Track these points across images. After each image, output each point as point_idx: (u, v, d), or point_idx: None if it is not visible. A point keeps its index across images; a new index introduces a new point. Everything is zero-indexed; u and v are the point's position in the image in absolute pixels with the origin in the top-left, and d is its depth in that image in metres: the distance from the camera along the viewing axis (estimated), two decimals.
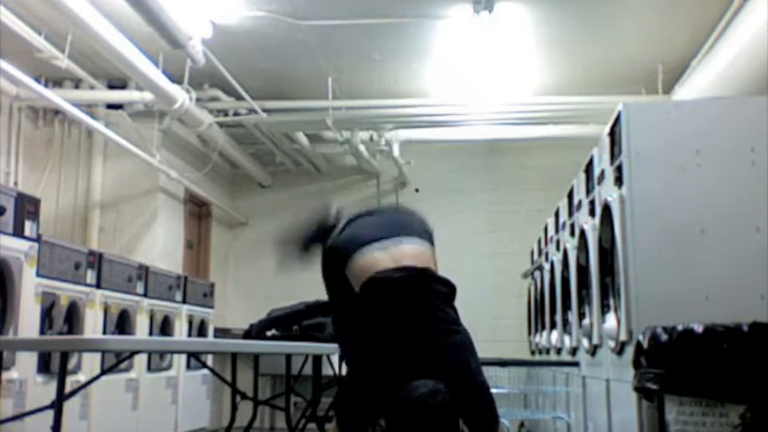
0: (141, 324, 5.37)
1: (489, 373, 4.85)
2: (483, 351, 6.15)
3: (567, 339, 4.58)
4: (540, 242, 6.23)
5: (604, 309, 3.41)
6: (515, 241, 7.43)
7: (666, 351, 2.26)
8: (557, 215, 5.17)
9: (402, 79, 6.46)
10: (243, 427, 4.14)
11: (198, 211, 7.86)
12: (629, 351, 2.65)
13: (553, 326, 5.22)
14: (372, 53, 5.97)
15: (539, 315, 6.08)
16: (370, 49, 5.89)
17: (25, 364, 3.88)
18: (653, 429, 2.48)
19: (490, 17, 5.08)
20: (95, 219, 6.40)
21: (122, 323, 5.12)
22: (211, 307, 6.82)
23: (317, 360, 4.83)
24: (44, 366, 4.08)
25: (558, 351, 4.98)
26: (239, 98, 6.40)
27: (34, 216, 3.99)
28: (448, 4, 5.12)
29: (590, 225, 3.67)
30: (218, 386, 6.69)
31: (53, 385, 2.61)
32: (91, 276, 4.71)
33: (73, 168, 6.42)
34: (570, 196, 4.50)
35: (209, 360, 5.82)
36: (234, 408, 3.95)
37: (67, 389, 2.62)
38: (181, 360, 5.97)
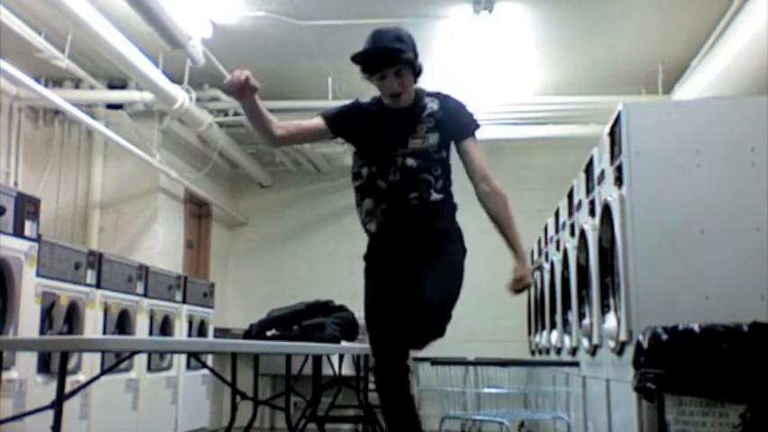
0: (141, 324, 5.37)
1: (489, 373, 4.86)
2: (483, 351, 6.18)
3: (567, 339, 4.58)
4: (540, 242, 6.23)
5: (604, 309, 3.41)
6: None
7: (666, 351, 2.27)
8: (557, 215, 5.17)
9: None
10: (243, 427, 4.13)
11: (198, 211, 7.86)
12: (629, 351, 2.65)
13: (553, 326, 5.22)
14: None
15: (539, 315, 6.08)
16: None
17: (25, 364, 3.88)
18: (653, 429, 2.48)
19: (490, 17, 5.09)
20: (95, 219, 6.40)
21: (122, 323, 5.11)
22: (211, 307, 6.81)
23: (317, 360, 4.83)
24: (44, 366, 4.08)
25: (558, 351, 4.98)
26: None
27: (34, 216, 3.99)
28: (448, 4, 5.12)
29: (590, 225, 3.67)
30: (218, 386, 6.69)
31: (53, 385, 2.61)
32: (91, 276, 4.70)
33: (73, 168, 6.42)
34: (570, 196, 4.50)
35: (209, 360, 5.81)
36: (234, 408, 3.95)
37: (67, 389, 2.62)
38: (181, 360, 5.97)
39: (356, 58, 2.79)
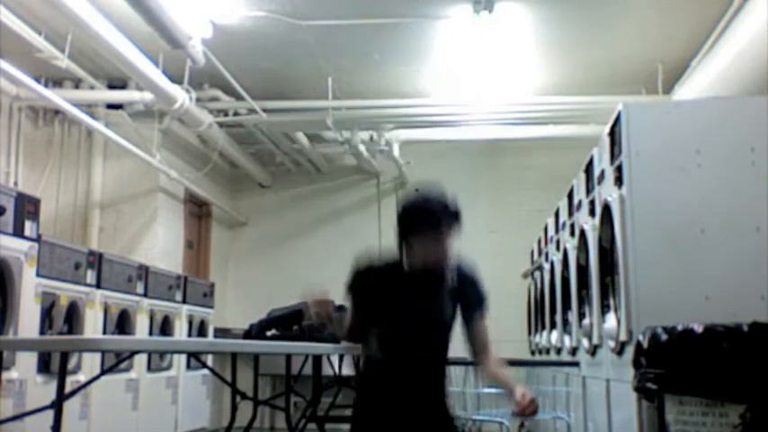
0: (141, 324, 5.37)
1: None
2: None
3: (567, 339, 4.58)
4: (540, 242, 6.23)
5: (604, 309, 3.41)
6: (515, 241, 7.43)
7: (666, 351, 2.26)
8: (557, 215, 5.17)
9: (402, 79, 6.46)
10: (243, 427, 4.13)
11: (198, 211, 7.86)
12: (629, 351, 2.65)
13: (553, 326, 5.22)
14: (372, 53, 5.97)
15: (539, 315, 6.08)
16: (371, 49, 5.89)
17: (25, 364, 3.88)
18: (653, 429, 2.47)
19: (490, 17, 5.08)
20: (95, 219, 6.40)
21: (122, 323, 5.11)
22: (211, 307, 6.81)
23: (317, 360, 4.83)
24: (44, 366, 4.08)
25: (558, 351, 4.98)
26: (239, 98, 6.40)
27: (34, 216, 3.99)
28: (448, 4, 5.11)
29: (590, 225, 3.67)
30: (218, 386, 6.69)
31: (53, 385, 2.61)
32: (91, 276, 4.71)
33: (73, 168, 6.42)
34: (570, 196, 4.50)
35: (210, 360, 5.81)
36: (234, 408, 3.95)
37: (67, 389, 2.62)
38: (181, 360, 5.97)
39: (422, 216, 2.61)
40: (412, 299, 2.63)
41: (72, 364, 4.32)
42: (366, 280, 2.68)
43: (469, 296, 2.69)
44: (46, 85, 5.75)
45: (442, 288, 2.65)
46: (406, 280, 2.64)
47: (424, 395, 2.59)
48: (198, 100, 6.13)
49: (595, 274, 3.54)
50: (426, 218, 2.59)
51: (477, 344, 2.66)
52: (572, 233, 4.34)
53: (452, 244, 2.61)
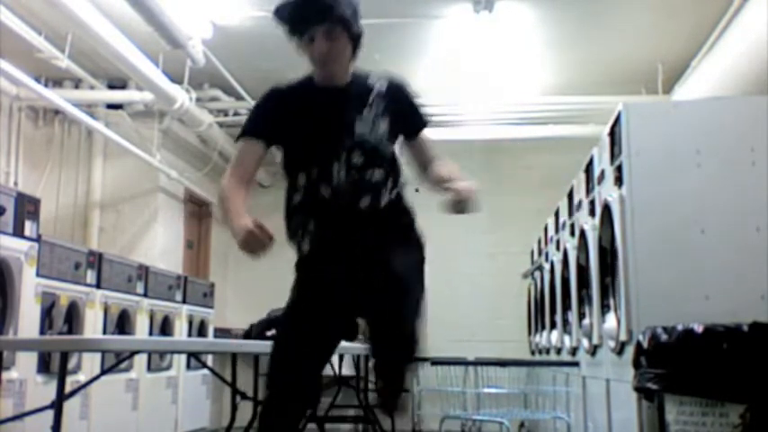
0: (141, 324, 5.37)
1: (489, 373, 4.86)
2: (483, 351, 6.16)
3: (566, 339, 4.58)
4: (540, 242, 6.23)
5: (604, 309, 3.41)
6: (515, 241, 7.42)
7: (666, 351, 2.27)
8: (557, 215, 5.17)
9: None
10: (243, 427, 4.13)
11: (198, 211, 7.86)
12: (629, 351, 2.65)
13: (553, 326, 5.22)
14: (372, 53, 5.94)
15: (539, 315, 6.08)
16: (371, 48, 5.84)
17: (25, 364, 3.88)
18: (653, 429, 2.48)
19: (490, 17, 5.08)
20: (95, 219, 6.40)
21: (122, 323, 5.11)
22: (211, 307, 6.81)
23: None
24: (44, 366, 4.08)
25: (558, 351, 4.98)
26: (239, 98, 6.40)
27: (34, 216, 3.99)
28: (448, 3, 5.11)
29: (590, 225, 3.67)
30: (218, 386, 6.68)
31: (53, 385, 2.61)
32: (91, 276, 4.70)
33: (73, 168, 6.42)
34: (570, 196, 4.50)
35: (210, 360, 5.81)
36: (234, 408, 3.95)
37: (67, 389, 2.62)
38: (181, 360, 5.97)
39: (281, 13, 2.26)
40: (330, 115, 2.28)
41: (72, 364, 4.32)
42: (273, 108, 2.31)
43: (408, 109, 2.40)
44: (46, 85, 5.75)
45: (368, 101, 2.34)
46: (322, 95, 2.31)
47: (370, 226, 2.24)
48: (198, 100, 6.13)
49: (595, 274, 3.54)
50: (293, 11, 2.24)
51: (425, 163, 2.40)
52: (572, 233, 4.34)
53: (341, 44, 2.30)
